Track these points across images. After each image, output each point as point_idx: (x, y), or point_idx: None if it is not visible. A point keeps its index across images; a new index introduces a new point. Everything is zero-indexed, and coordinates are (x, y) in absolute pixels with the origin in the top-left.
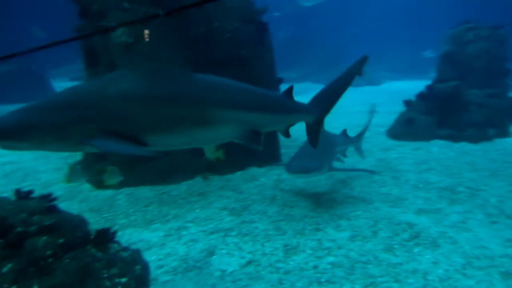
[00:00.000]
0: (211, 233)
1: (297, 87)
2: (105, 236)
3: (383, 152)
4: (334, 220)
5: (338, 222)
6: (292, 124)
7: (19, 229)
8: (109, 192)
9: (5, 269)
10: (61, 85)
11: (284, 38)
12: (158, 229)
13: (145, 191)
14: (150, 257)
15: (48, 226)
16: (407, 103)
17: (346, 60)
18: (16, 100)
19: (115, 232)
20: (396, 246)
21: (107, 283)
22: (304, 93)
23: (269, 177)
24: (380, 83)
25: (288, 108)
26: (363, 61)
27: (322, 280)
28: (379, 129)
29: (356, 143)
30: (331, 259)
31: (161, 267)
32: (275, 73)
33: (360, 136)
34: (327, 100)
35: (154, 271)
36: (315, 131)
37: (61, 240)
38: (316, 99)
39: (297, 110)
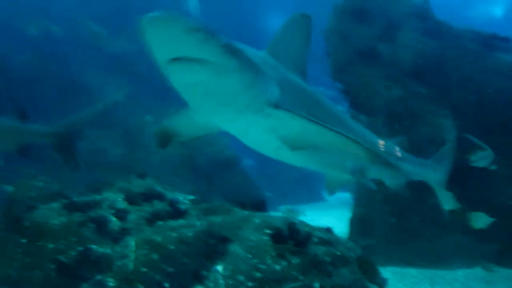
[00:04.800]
0: None
1: None
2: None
3: None
4: None
5: None
6: None
7: (303, 234)
8: None
9: (293, 261)
10: None
11: None
12: None
13: (412, 272)
14: None
15: (326, 239)
16: None
17: None
18: None
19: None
20: None
21: None
22: None
23: None
24: None
25: None
26: None
27: None
28: None
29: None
30: None
31: None
32: None
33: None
34: None
35: None
36: None
37: (338, 253)
38: None
39: None
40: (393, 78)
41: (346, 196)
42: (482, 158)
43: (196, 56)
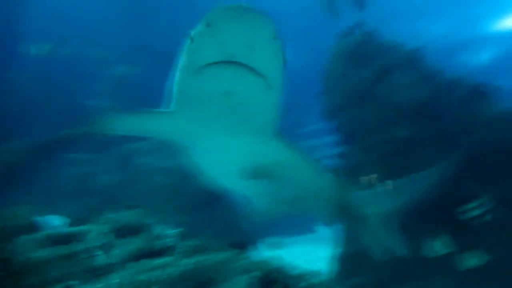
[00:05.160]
0: None
1: None
2: None
3: None
4: None
5: None
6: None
7: (289, 279)
8: None
9: None
10: None
11: None
12: None
13: None
14: None
15: (313, 283)
16: None
17: None
18: None
19: None
20: None
21: None
22: None
23: None
24: None
25: None
26: None
27: None
28: None
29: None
30: None
31: None
32: None
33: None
34: None
35: None
36: None
37: None
38: None
39: None
40: (387, 118)
41: (335, 229)
42: (476, 207)
43: (258, 65)
